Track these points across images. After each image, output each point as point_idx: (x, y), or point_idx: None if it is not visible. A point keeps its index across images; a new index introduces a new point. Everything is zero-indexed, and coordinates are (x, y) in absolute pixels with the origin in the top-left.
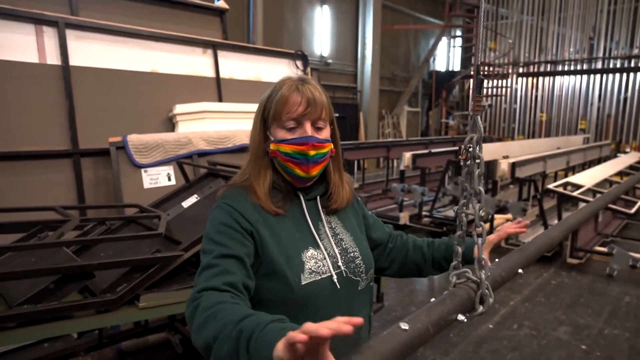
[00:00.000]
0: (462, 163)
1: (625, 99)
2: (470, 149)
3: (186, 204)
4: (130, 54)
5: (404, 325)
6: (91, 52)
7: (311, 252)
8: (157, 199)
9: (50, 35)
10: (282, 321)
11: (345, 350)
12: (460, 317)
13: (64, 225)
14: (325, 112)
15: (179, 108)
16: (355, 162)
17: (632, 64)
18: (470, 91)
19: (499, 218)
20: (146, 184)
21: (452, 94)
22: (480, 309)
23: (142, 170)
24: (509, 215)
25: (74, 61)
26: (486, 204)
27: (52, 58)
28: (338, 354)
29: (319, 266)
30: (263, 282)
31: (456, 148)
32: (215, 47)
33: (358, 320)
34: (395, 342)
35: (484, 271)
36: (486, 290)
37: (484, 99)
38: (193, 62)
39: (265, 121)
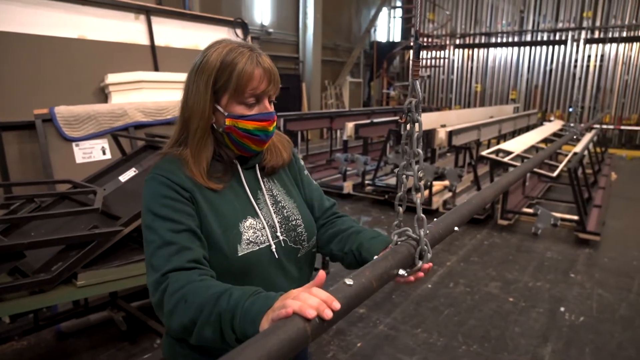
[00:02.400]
0: (401, 127)
1: (550, 70)
2: (410, 113)
3: (124, 177)
4: (54, 18)
5: (349, 281)
6: (8, 15)
7: (250, 221)
8: (92, 173)
9: None
10: (257, 293)
11: None
12: (402, 271)
13: None
14: (279, 86)
15: (111, 78)
16: (299, 133)
17: (557, 37)
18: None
19: (437, 185)
20: (79, 158)
21: (392, 65)
22: (420, 263)
23: (74, 144)
24: (447, 182)
25: None
26: (425, 171)
27: None
28: None
29: (257, 236)
30: None
31: (397, 118)
32: (148, 12)
33: (337, 306)
34: (341, 297)
35: (422, 229)
36: (425, 247)
37: (424, 69)
38: (125, 29)
39: (216, 90)
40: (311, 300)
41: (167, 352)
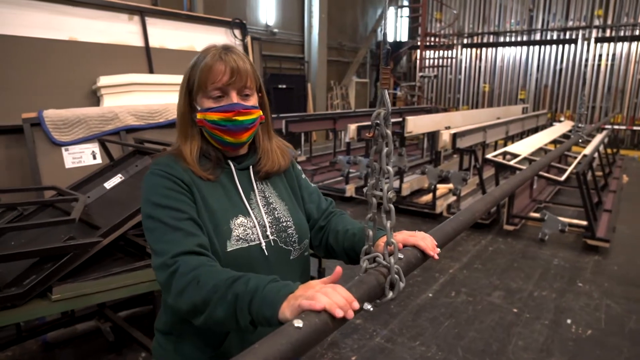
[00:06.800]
0: (372, 140)
1: (560, 69)
2: (378, 126)
3: (109, 184)
4: (44, 19)
5: (298, 323)
6: None
7: (241, 219)
8: (78, 180)
9: None
10: (276, 280)
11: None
12: (367, 305)
13: None
14: (250, 80)
15: (103, 80)
16: (302, 135)
17: (567, 36)
18: (415, 62)
19: (441, 188)
20: (68, 163)
21: (399, 65)
22: (390, 294)
23: (63, 148)
24: (451, 185)
25: None
26: (429, 174)
27: None
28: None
29: (247, 234)
30: None
31: (400, 120)
32: (142, 13)
33: (356, 306)
34: (286, 343)
35: (393, 256)
36: (396, 276)
37: (430, 69)
38: (118, 30)
39: (190, 92)
40: (337, 298)
41: (156, 351)
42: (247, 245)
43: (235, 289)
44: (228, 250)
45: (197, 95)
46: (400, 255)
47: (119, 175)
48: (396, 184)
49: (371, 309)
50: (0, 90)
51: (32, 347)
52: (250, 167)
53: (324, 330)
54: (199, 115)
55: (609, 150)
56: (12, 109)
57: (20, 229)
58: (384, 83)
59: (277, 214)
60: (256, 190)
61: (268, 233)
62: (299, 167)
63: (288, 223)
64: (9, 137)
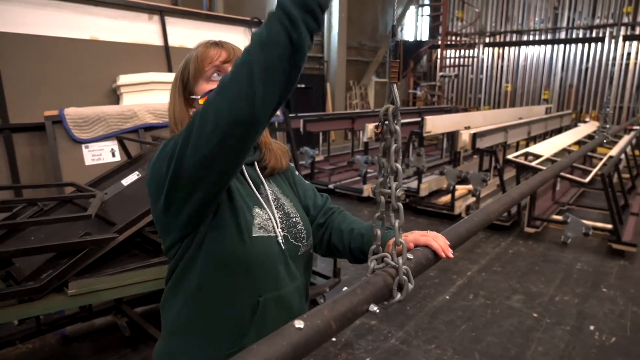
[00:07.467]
0: (380, 136)
1: (586, 69)
2: (386, 122)
3: (126, 181)
4: (65, 19)
5: (299, 324)
6: (18, 17)
7: (257, 210)
8: (96, 176)
9: None
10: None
11: (278, 322)
12: (373, 307)
13: None
14: None
15: (123, 79)
16: (320, 134)
17: (594, 35)
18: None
19: (460, 189)
20: (88, 160)
21: (419, 64)
22: (398, 296)
23: (83, 146)
24: (470, 186)
25: None
26: (448, 174)
27: None
28: (274, 323)
29: (266, 224)
30: (212, 234)
31: (419, 119)
32: (162, 12)
33: None
34: (286, 344)
35: (401, 256)
36: (404, 277)
37: (451, 69)
38: (138, 29)
39: (185, 86)
40: None
41: (157, 357)
42: (267, 235)
43: (268, 28)
44: (253, 235)
45: (195, 83)
46: (410, 256)
47: (136, 172)
48: (414, 184)
49: (377, 311)
50: (25, 89)
51: (51, 341)
52: (256, 162)
53: (326, 332)
54: (201, 102)
55: (636, 152)
56: (35, 107)
57: (38, 224)
58: (392, 77)
59: (287, 209)
60: (265, 185)
61: (279, 229)
62: (292, 164)
63: (297, 219)
64: (31, 134)
